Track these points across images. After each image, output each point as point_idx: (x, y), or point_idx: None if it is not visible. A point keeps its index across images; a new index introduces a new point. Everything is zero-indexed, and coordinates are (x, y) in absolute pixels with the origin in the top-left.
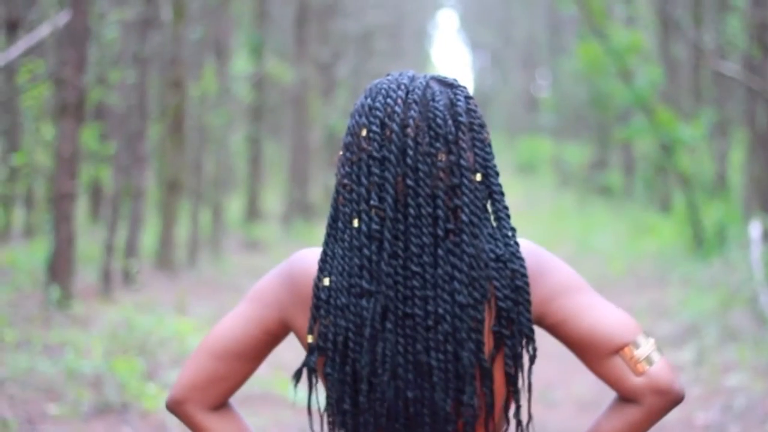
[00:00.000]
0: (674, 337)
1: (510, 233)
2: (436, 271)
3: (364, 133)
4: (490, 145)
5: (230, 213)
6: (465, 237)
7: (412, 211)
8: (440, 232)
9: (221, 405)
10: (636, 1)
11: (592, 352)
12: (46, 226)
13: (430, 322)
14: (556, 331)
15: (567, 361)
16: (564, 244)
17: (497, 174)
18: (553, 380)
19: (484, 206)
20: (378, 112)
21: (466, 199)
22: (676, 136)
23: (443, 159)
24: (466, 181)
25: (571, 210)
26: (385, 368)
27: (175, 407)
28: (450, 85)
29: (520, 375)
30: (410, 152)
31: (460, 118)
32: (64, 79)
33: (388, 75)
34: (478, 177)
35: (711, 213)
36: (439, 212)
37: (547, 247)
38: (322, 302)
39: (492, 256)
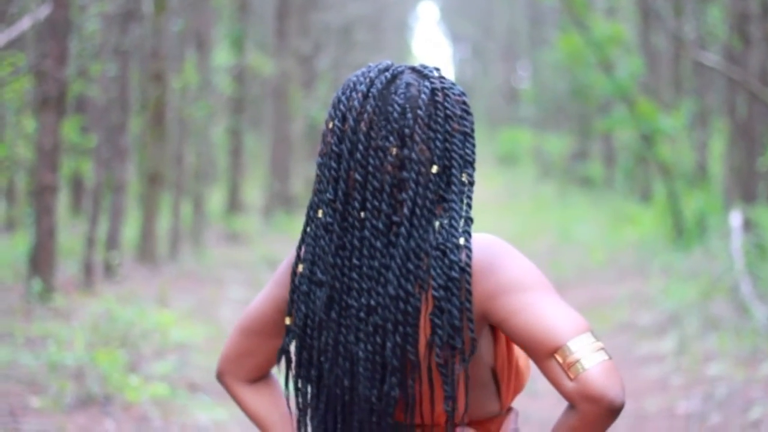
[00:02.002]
0: (655, 326)
1: (460, 224)
2: (373, 263)
3: (330, 126)
4: (464, 135)
5: (211, 205)
6: (403, 230)
7: (357, 204)
8: (382, 226)
9: (258, 378)
10: None
11: (531, 353)
12: (27, 219)
13: (362, 314)
14: (501, 329)
15: None
16: (545, 234)
17: (467, 164)
18: (535, 371)
19: (441, 198)
20: (342, 106)
21: (411, 193)
22: (657, 126)
23: (394, 153)
24: (414, 175)
25: (551, 201)
26: (327, 357)
27: (218, 378)
28: (424, 76)
29: (455, 366)
30: (361, 147)
31: (419, 111)
32: (45, 72)
33: (367, 67)
34: (434, 169)
35: (691, 203)
36: (383, 206)
37: (528, 238)
38: (295, 287)
39: (434, 246)
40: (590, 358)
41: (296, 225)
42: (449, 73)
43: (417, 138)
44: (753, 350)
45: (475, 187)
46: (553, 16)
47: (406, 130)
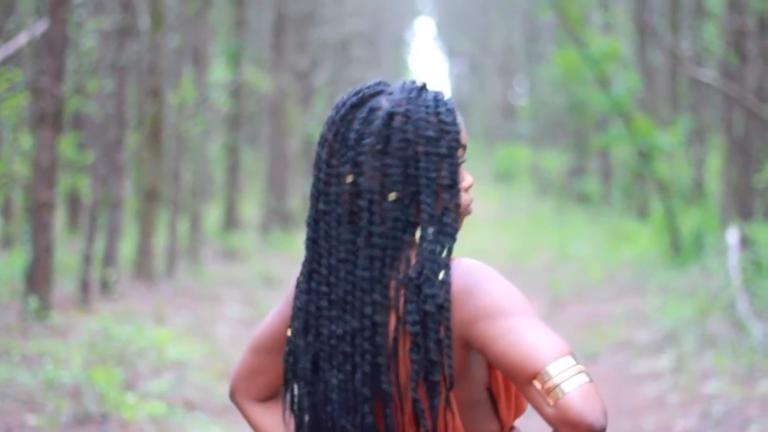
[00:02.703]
0: (652, 344)
1: (440, 253)
2: (338, 291)
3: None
4: (439, 157)
5: (208, 222)
6: (362, 259)
7: (323, 230)
8: (344, 254)
9: (269, 397)
10: (613, 8)
11: (512, 380)
12: (24, 236)
13: (333, 341)
14: (483, 355)
15: None
16: (542, 251)
17: (444, 188)
18: None
19: (404, 227)
20: (323, 129)
21: (365, 222)
22: (654, 143)
23: (350, 180)
24: (366, 203)
25: (548, 217)
26: (306, 380)
27: (230, 397)
28: (391, 99)
29: (434, 400)
30: (323, 174)
31: (370, 138)
32: (41, 88)
33: (354, 87)
34: (392, 197)
35: (688, 220)
36: (344, 234)
37: (525, 255)
38: (294, 301)
39: (408, 278)
40: (569, 383)
41: (293, 242)
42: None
43: (366, 167)
44: (750, 368)
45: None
46: (549, 32)
47: (361, 157)
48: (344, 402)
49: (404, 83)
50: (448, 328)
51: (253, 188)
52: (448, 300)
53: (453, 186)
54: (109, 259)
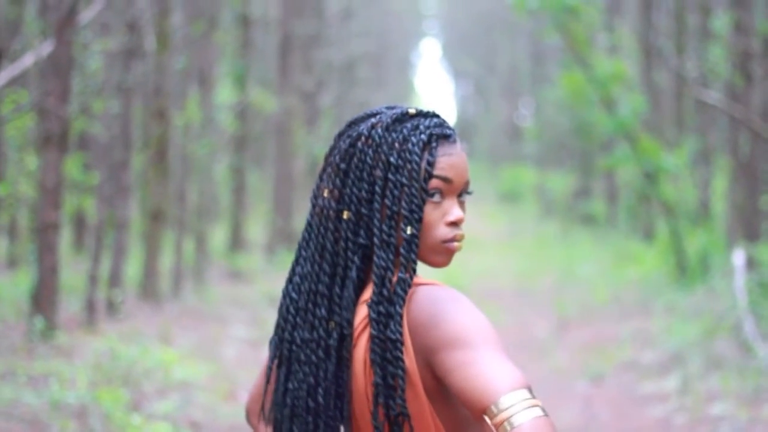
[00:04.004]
0: (658, 365)
1: (385, 280)
2: (301, 301)
3: None
4: (395, 186)
5: (214, 243)
6: (315, 275)
7: (303, 242)
8: (307, 267)
9: None
10: (619, 29)
11: (469, 412)
12: (29, 257)
13: (294, 348)
14: (445, 385)
15: (553, 390)
16: (547, 273)
17: (405, 219)
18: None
19: (353, 249)
20: None
21: (320, 237)
22: (659, 164)
23: (325, 195)
24: (322, 220)
25: (554, 239)
26: (285, 403)
27: (246, 419)
28: (370, 123)
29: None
30: (314, 188)
31: (335, 157)
32: (47, 110)
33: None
34: (345, 215)
35: (694, 241)
36: (311, 248)
37: (531, 276)
38: None
39: (356, 302)
40: (520, 416)
41: None
42: (451, 110)
43: (324, 182)
44: (756, 390)
45: (477, 225)
46: (555, 53)
47: (329, 175)
48: (292, 409)
49: (398, 109)
50: (402, 369)
51: (259, 209)
52: (401, 342)
53: (410, 218)
54: (115, 279)
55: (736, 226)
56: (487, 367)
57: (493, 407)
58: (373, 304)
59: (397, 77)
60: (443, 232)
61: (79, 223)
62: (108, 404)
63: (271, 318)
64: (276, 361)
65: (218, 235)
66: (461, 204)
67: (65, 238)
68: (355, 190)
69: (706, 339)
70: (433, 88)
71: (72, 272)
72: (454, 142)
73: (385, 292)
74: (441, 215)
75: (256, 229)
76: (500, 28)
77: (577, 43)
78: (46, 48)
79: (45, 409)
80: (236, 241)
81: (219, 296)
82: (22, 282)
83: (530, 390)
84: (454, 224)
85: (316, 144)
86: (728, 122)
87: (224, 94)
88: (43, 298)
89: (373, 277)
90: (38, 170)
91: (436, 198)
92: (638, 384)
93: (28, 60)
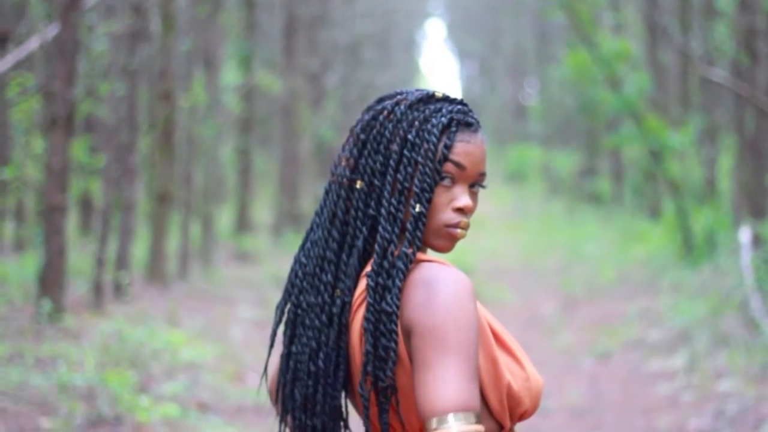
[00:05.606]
0: (665, 343)
1: (387, 253)
2: (310, 266)
3: None
4: (410, 162)
5: (220, 224)
6: (324, 240)
7: (319, 207)
8: (319, 232)
9: None
10: (624, 8)
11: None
12: (36, 240)
13: (300, 312)
14: None
15: (560, 369)
16: (554, 252)
17: (415, 195)
18: (547, 388)
19: (363, 218)
20: None
21: (332, 204)
22: (665, 142)
23: (343, 164)
24: (336, 187)
25: (560, 218)
26: (288, 366)
27: (270, 399)
28: (395, 99)
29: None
30: (336, 157)
31: (356, 128)
32: (53, 92)
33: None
34: (358, 184)
35: (700, 219)
36: (325, 214)
37: (537, 256)
38: None
39: (359, 273)
40: None
41: None
42: (457, 90)
43: (344, 151)
44: (763, 366)
45: (484, 205)
46: (560, 32)
47: (350, 144)
48: (294, 372)
49: (427, 90)
50: (393, 332)
51: (265, 190)
52: (396, 315)
53: (419, 195)
54: (122, 261)
55: (742, 204)
56: (445, 377)
57: (434, 420)
58: (372, 274)
59: (402, 58)
60: (448, 216)
61: (86, 205)
62: (116, 386)
63: (277, 298)
64: (282, 326)
65: (225, 217)
66: (473, 195)
67: (72, 220)
68: (370, 161)
69: (713, 316)
70: (439, 68)
71: (79, 255)
72: (476, 131)
73: (385, 263)
74: (449, 200)
75: (263, 211)
76: (505, 8)
77: (582, 22)
78: (52, 31)
79: (53, 392)
80: (242, 223)
81: (226, 278)
82: (30, 265)
83: (477, 416)
84: (461, 210)
85: (321, 125)
86: (733, 100)
87: (230, 75)
88: (50, 281)
89: (376, 247)
90: (45, 153)
91: (447, 182)
92: (645, 362)
93: (33, 43)
